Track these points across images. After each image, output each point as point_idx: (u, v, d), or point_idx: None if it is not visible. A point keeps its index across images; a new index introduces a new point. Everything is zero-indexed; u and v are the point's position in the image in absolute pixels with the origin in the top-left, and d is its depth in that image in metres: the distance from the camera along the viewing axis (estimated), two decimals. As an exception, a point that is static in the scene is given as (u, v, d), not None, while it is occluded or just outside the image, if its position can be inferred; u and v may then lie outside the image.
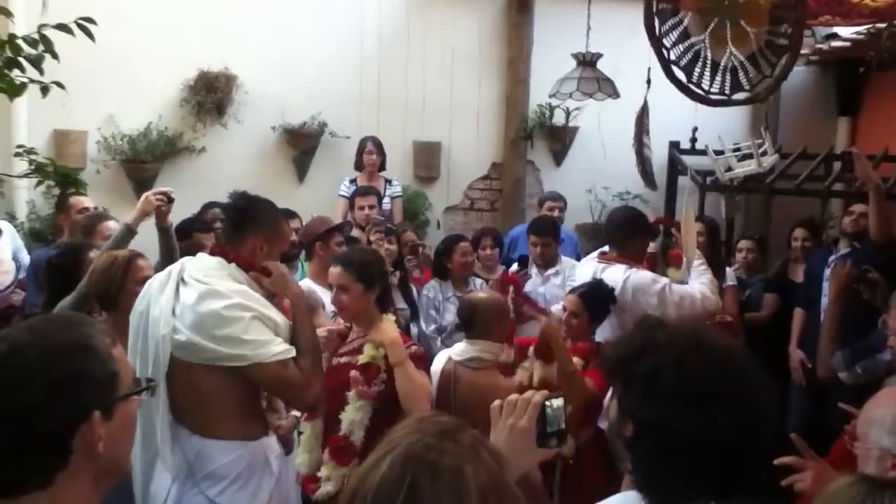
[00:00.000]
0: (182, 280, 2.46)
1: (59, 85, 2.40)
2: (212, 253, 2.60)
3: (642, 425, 1.34)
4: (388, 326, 2.90)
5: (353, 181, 5.81)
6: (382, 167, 5.91)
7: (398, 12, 6.39)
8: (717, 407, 1.29)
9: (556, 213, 5.53)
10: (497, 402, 1.52)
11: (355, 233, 4.74)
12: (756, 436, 1.31)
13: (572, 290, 3.50)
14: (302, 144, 6.26)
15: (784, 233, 5.50)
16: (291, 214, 4.56)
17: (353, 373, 2.84)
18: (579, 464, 2.99)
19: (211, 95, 5.97)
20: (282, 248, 2.72)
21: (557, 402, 1.51)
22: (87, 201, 4.40)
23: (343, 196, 5.71)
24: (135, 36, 5.70)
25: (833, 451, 2.39)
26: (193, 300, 2.38)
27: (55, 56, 2.42)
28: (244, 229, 2.56)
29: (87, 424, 1.12)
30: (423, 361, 3.03)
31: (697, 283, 3.49)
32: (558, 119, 6.52)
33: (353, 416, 2.81)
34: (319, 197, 5.97)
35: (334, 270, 2.94)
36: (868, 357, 3.03)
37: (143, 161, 5.90)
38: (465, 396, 3.03)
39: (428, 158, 6.55)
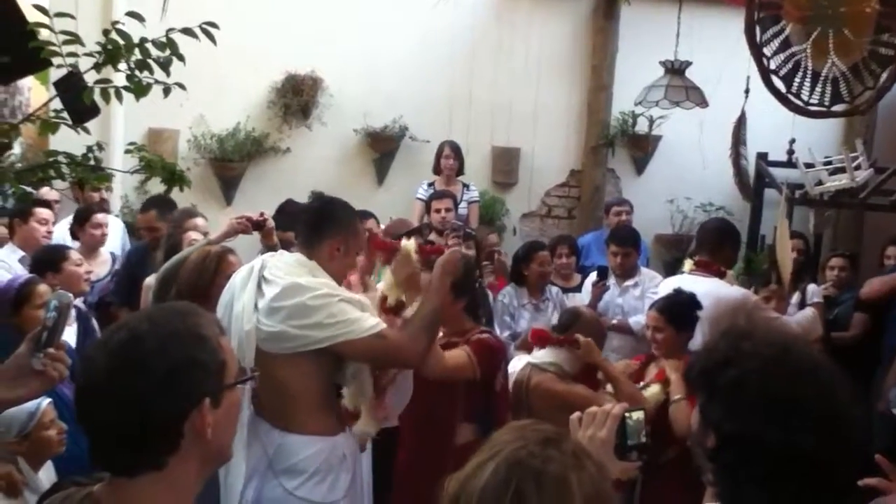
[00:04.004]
0: (263, 277, 2.50)
1: (181, 86, 2.50)
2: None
3: (726, 436, 1.30)
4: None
5: (430, 185, 5.85)
6: (460, 171, 5.93)
7: (482, 18, 6.41)
8: (803, 419, 1.25)
9: (623, 218, 5.45)
10: (577, 414, 1.52)
11: (432, 236, 4.78)
12: (843, 450, 1.27)
13: (651, 306, 3.40)
14: (382, 147, 6.34)
15: (876, 250, 5.27)
16: (368, 215, 4.62)
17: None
18: (661, 477, 2.93)
19: (297, 98, 6.12)
20: (358, 248, 2.73)
21: (637, 415, 1.50)
22: (151, 220, 4.56)
23: (420, 199, 5.77)
24: (226, 39, 5.79)
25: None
26: (277, 294, 2.42)
27: (181, 59, 2.53)
28: (321, 232, 2.59)
29: (197, 410, 1.16)
30: (490, 352, 3.00)
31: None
32: (641, 127, 6.43)
33: None
34: (398, 199, 6.04)
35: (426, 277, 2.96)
36: None
37: (231, 160, 6.09)
38: (534, 402, 3.04)
39: (506, 164, 6.55)
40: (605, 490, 1.03)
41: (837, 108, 3.56)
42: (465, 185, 5.94)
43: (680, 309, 3.24)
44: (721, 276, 3.49)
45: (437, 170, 5.92)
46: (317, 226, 2.60)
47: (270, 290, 2.45)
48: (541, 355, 3.14)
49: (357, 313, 2.45)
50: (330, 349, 2.43)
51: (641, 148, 6.52)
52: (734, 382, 1.30)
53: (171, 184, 2.70)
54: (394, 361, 2.67)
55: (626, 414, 1.48)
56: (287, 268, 2.52)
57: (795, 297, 4.61)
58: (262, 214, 3.53)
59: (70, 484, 1.25)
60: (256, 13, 6.08)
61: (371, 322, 2.45)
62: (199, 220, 4.08)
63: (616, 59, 6.37)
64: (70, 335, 3.26)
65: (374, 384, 2.73)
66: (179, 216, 4.19)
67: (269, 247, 3.52)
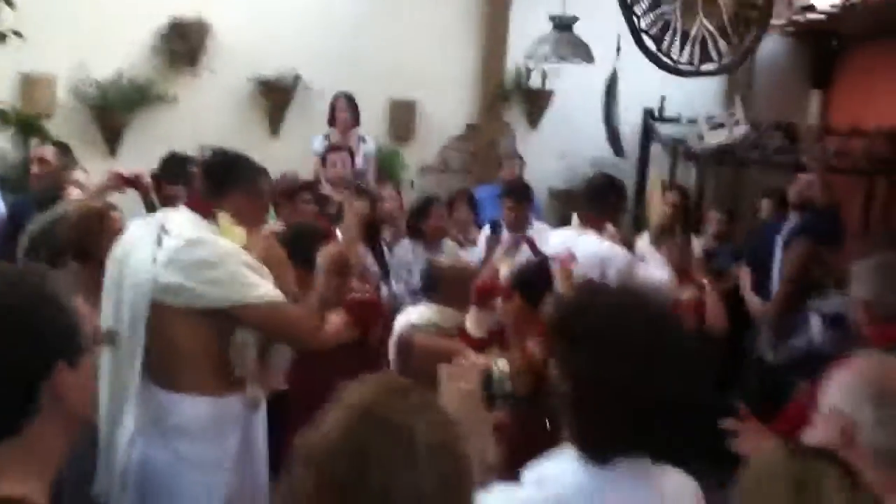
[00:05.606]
0: (164, 230, 2.44)
1: (17, 34, 2.34)
2: (193, 207, 2.55)
3: (578, 380, 1.37)
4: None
5: (326, 137, 5.77)
6: (356, 124, 5.86)
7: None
8: (651, 361, 1.33)
9: (515, 171, 5.55)
10: (445, 367, 1.56)
11: (327, 190, 4.73)
12: (692, 392, 1.36)
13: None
14: (276, 97, 6.17)
15: (752, 203, 5.58)
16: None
17: None
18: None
19: (184, 43, 5.85)
20: (263, 204, 2.70)
21: (502, 365, 1.56)
22: (48, 152, 4.33)
23: (317, 153, 5.68)
24: (106, -20, 5.55)
25: (781, 419, 2.46)
26: (179, 247, 2.37)
27: (10, 4, 2.36)
28: (224, 187, 2.54)
29: (54, 373, 1.13)
30: (362, 308, 2.95)
31: (660, 273, 3.50)
32: (535, 82, 6.50)
33: None
34: (293, 151, 5.90)
35: None
36: (784, 340, 3.05)
37: (114, 109, 5.78)
38: (418, 362, 2.92)
39: (403, 117, 6.51)
40: (452, 441, 1.07)
41: (707, 67, 3.69)
42: (361, 138, 5.87)
43: (530, 282, 2.96)
44: (600, 230, 3.60)
45: (331, 122, 5.83)
46: (221, 181, 2.54)
47: (171, 243, 2.39)
48: (419, 314, 3.09)
49: (256, 279, 2.41)
50: (224, 312, 2.38)
51: (535, 102, 6.61)
52: (587, 330, 1.38)
53: (30, 135, 2.55)
54: (288, 335, 2.58)
55: (493, 364, 1.54)
56: (186, 223, 2.46)
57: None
58: (134, 172, 3.40)
59: None
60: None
61: (269, 290, 2.41)
62: (78, 174, 3.90)
63: (510, 13, 6.39)
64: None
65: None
66: (56, 169, 3.99)
67: (148, 205, 3.41)
